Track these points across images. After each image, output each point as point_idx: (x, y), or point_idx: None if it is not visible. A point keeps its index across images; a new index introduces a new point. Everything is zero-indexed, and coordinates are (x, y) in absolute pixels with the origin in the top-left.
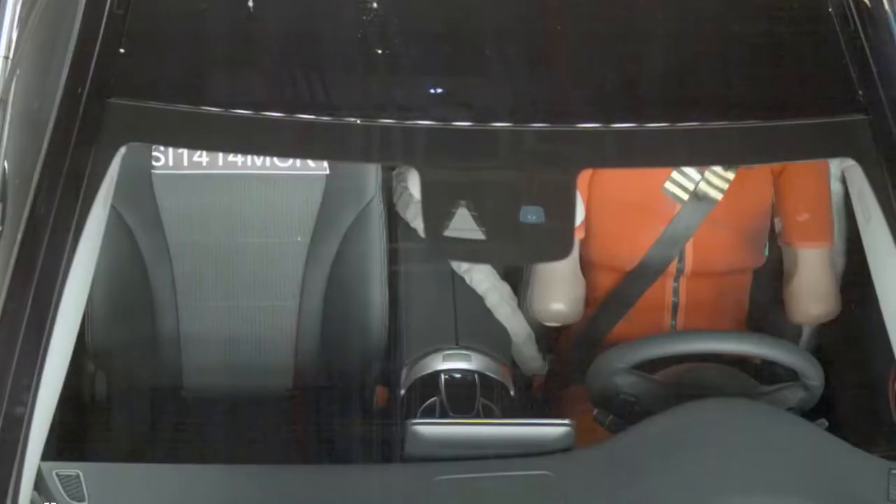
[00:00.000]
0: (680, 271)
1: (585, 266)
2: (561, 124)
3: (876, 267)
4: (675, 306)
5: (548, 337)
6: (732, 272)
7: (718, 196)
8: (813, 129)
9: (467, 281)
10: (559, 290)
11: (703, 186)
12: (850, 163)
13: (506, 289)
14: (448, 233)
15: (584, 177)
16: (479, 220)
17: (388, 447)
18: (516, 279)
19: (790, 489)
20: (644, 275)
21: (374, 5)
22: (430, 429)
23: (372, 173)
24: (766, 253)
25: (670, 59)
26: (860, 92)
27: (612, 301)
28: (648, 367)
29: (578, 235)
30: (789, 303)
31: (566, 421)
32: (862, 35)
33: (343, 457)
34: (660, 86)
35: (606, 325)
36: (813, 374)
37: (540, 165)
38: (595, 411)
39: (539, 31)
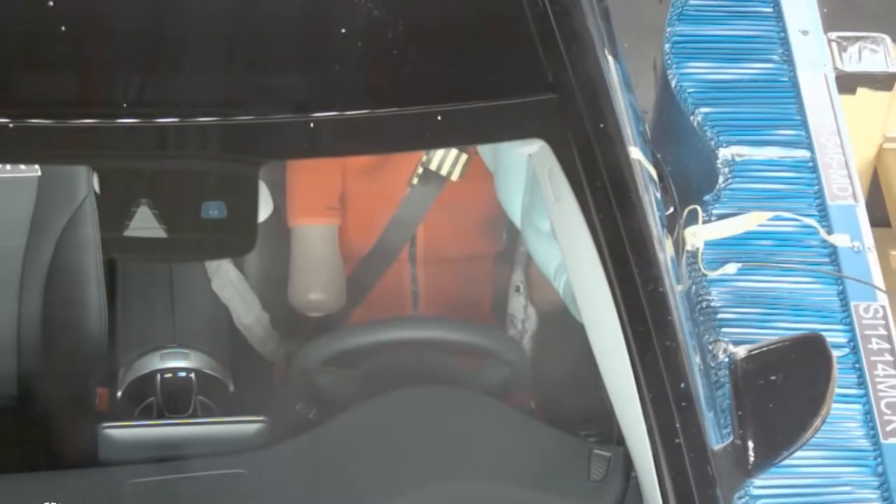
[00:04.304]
0: (413, 257)
1: None
2: (239, 117)
3: (565, 245)
4: (416, 294)
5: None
6: (469, 258)
7: (445, 179)
8: (504, 110)
9: None
10: (317, 280)
11: (432, 168)
12: (538, 145)
13: (232, 271)
14: (128, 232)
15: (337, 173)
16: (161, 217)
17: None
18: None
19: (491, 474)
20: (377, 261)
21: (51, 3)
22: (121, 431)
23: (84, 173)
24: (505, 237)
25: (358, 46)
26: (549, 72)
27: (349, 289)
28: (353, 358)
29: (335, 222)
30: None
31: (260, 417)
32: (550, 14)
33: (60, 463)
34: (347, 73)
35: (345, 312)
36: (511, 351)
37: (220, 160)
38: (298, 405)
39: (219, 22)
